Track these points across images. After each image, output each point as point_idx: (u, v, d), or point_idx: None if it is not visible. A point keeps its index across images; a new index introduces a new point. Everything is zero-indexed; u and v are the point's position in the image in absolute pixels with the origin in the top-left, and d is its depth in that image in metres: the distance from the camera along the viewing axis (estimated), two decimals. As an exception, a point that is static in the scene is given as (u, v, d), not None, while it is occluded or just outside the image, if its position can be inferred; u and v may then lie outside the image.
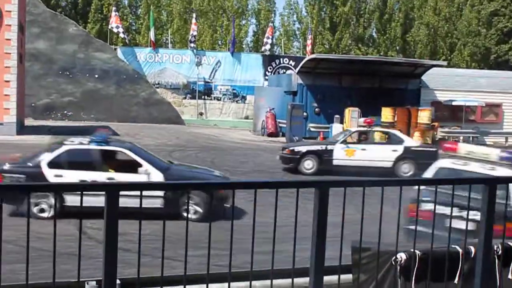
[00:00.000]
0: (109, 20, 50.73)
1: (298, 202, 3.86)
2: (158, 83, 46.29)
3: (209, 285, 3.99)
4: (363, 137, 23.98)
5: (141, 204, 3.71)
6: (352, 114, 34.45)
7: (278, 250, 3.97)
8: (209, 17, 58.16)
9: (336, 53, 55.13)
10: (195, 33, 49.48)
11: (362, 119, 27.38)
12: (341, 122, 34.53)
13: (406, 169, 22.78)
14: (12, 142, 27.86)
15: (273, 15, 57.71)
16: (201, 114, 47.14)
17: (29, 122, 35.85)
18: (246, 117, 46.45)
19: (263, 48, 51.85)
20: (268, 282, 4.52)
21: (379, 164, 22.56)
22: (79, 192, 3.42)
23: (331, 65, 36.89)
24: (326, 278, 3.96)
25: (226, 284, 4.05)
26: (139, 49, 48.90)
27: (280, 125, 37.03)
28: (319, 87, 36.39)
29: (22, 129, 31.25)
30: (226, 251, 3.86)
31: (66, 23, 42.98)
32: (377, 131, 25.23)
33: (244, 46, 60.84)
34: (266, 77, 47.92)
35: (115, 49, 46.48)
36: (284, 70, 48.19)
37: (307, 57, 39.13)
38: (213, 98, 48.06)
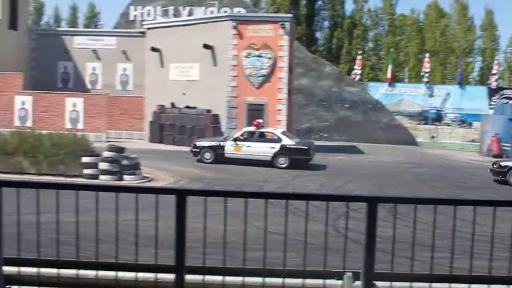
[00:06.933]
0: (355, 61, 51.34)
1: (348, 213, 3.60)
2: (397, 111, 45.54)
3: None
4: (250, 136, 24.97)
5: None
6: None
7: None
8: (440, 56, 56.23)
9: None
10: (427, 69, 48.05)
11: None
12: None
13: (282, 161, 23.97)
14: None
15: (497, 52, 54.16)
16: (432, 137, 45.44)
17: (294, 141, 37.07)
18: (472, 141, 43.90)
19: (489, 82, 48.89)
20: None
21: (261, 158, 24.15)
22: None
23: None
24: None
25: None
26: (380, 84, 48.65)
27: (504, 148, 34.56)
28: (541, 115, 33.33)
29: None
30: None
31: (323, 64, 43.99)
32: (261, 131, 25.31)
33: (470, 80, 57.83)
34: (491, 106, 45.04)
35: (362, 83, 46.69)
36: (508, 100, 45.01)
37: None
38: (443, 124, 46.19)
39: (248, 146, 24.45)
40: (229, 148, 24.50)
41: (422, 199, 4.10)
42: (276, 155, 24.15)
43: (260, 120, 26.96)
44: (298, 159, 24.20)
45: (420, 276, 4.72)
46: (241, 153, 24.35)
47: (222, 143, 24.85)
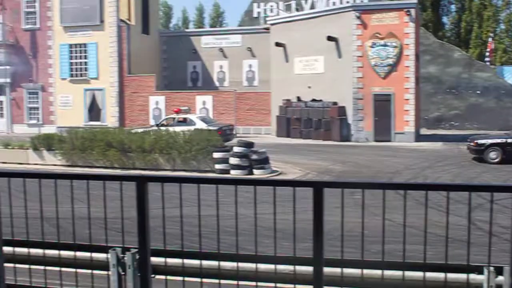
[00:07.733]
0: (487, 45, 48.71)
1: (470, 205, 3.24)
2: (535, 96, 42.69)
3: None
4: (172, 121, 28.97)
5: None
6: None
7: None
8: None
9: None
10: None
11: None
12: None
13: None
14: (410, 147, 28.30)
15: None
16: None
17: (423, 131, 36.02)
18: None
19: None
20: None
21: None
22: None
23: None
24: None
25: None
26: (515, 67, 45.93)
27: None
28: None
29: (418, 137, 31.52)
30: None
31: (451, 50, 42.23)
32: (179, 117, 29.23)
33: None
34: None
35: (494, 68, 44.26)
36: None
37: None
38: None
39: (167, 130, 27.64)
40: None
41: None
42: None
43: (185, 107, 31.09)
44: None
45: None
46: None
47: (149, 129, 27.48)
